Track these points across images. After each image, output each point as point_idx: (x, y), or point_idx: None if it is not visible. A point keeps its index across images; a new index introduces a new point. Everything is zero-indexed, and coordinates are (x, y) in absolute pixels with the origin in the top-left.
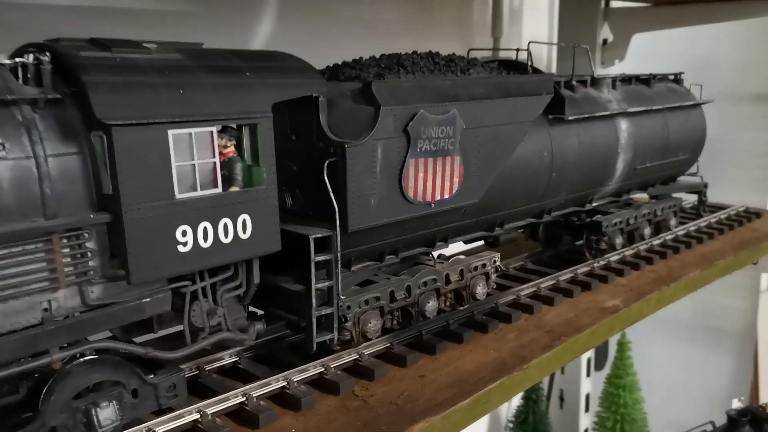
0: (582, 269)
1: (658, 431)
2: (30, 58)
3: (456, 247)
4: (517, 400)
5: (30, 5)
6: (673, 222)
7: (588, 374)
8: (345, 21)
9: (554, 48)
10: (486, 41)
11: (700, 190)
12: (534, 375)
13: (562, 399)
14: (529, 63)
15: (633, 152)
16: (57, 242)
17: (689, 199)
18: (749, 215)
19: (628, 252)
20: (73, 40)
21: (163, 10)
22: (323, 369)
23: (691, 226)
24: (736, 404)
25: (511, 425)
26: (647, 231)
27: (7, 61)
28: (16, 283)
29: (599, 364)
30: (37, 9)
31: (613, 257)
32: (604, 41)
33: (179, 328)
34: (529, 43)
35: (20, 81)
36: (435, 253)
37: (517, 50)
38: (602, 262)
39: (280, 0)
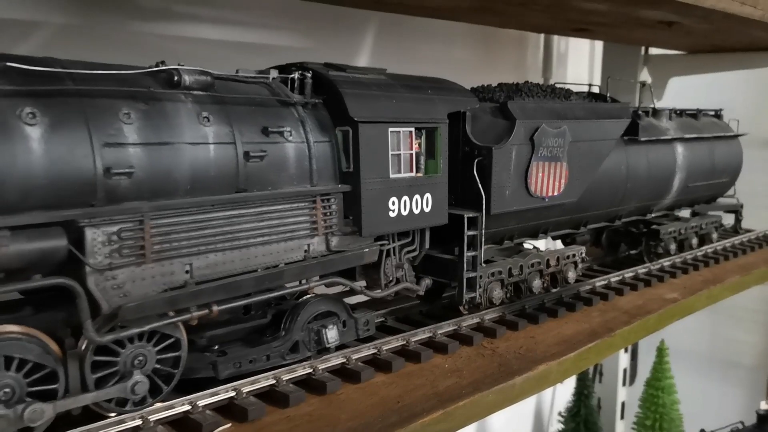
0: (641, 270)
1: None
2: (296, 75)
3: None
4: (568, 396)
5: (189, 38)
6: (714, 236)
7: (624, 383)
8: (425, 58)
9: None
10: (537, 80)
11: (737, 210)
12: (619, 342)
13: (599, 406)
14: (608, 95)
15: (687, 172)
16: (318, 202)
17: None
18: None
19: (678, 259)
20: (315, 63)
21: (287, 45)
22: (456, 327)
23: (728, 242)
24: (765, 405)
25: (562, 418)
26: (695, 241)
27: (280, 76)
28: (293, 228)
29: (631, 379)
30: (196, 42)
31: (666, 262)
32: (643, 83)
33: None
34: (608, 78)
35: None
36: (531, 245)
37: (590, 85)
38: (657, 265)
39: (374, 41)
